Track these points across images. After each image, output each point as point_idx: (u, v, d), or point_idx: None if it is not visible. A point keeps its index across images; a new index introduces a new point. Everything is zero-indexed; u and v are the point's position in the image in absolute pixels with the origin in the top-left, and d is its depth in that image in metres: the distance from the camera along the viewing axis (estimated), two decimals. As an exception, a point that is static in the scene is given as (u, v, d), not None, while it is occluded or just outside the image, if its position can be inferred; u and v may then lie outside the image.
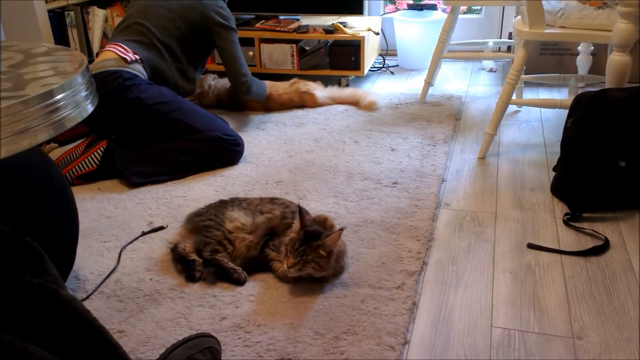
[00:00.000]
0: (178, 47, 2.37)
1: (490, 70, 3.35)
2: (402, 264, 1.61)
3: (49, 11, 2.79)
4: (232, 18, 2.46)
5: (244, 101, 2.76)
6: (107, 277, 1.60)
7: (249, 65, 3.03)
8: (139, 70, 2.22)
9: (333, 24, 3.07)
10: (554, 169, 2.06)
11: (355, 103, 2.85)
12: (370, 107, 2.79)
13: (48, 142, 2.26)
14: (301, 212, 1.52)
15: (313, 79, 2.97)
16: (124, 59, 2.17)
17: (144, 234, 1.80)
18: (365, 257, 1.64)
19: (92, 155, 2.12)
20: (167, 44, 2.33)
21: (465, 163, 2.24)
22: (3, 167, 1.29)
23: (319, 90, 2.86)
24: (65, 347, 0.89)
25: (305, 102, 2.82)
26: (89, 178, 2.14)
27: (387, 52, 3.58)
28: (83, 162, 2.11)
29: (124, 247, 1.73)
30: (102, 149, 2.13)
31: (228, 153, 2.24)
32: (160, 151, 2.17)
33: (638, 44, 2.05)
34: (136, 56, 2.21)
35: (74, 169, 2.10)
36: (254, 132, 2.57)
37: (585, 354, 1.29)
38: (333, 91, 2.92)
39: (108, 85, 2.09)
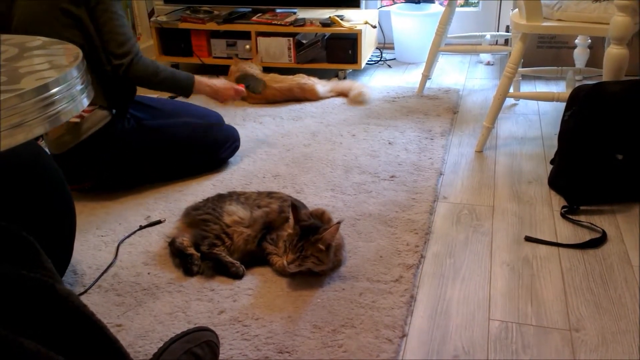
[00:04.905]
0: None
1: (488, 64, 3.34)
2: (400, 257, 1.61)
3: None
4: None
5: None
6: (105, 271, 1.60)
7: (246, 59, 3.04)
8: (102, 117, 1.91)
9: (330, 17, 3.06)
10: (552, 162, 2.06)
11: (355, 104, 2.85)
12: (356, 100, 2.78)
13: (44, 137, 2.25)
14: (295, 207, 1.51)
15: (310, 72, 2.97)
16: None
17: (141, 228, 1.80)
18: (363, 251, 1.64)
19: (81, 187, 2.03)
20: None
21: (463, 156, 2.24)
22: (-1, 161, 1.29)
23: (320, 85, 2.86)
24: (62, 342, 0.88)
25: (306, 94, 2.82)
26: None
27: (384, 45, 3.57)
28: None
29: (122, 241, 1.73)
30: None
31: (227, 156, 2.21)
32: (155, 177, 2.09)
33: (636, 36, 2.05)
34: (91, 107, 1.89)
35: None
36: (251, 126, 2.56)
37: (582, 346, 1.30)
38: (332, 84, 2.92)
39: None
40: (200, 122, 2.12)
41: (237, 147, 2.25)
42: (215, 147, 2.15)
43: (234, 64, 2.92)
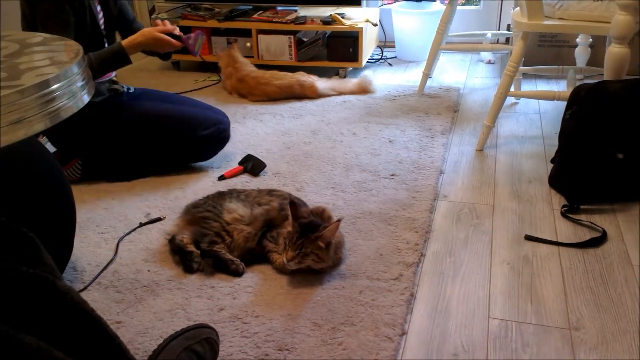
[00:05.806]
0: None
1: (489, 62, 3.34)
2: (400, 256, 1.61)
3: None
4: None
5: None
6: (105, 268, 1.60)
7: (246, 57, 3.03)
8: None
9: (331, 15, 3.05)
10: (552, 161, 2.06)
11: (362, 92, 2.90)
12: (365, 89, 2.89)
13: (44, 134, 2.25)
14: (293, 204, 1.51)
15: (311, 70, 2.96)
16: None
17: (141, 225, 1.80)
18: (363, 249, 1.64)
19: (70, 169, 2.07)
20: None
21: (463, 155, 2.24)
22: (-1, 157, 1.29)
23: (320, 81, 2.86)
24: (62, 338, 0.88)
25: (306, 91, 2.81)
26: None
27: (385, 43, 3.56)
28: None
29: (122, 239, 1.73)
30: (79, 163, 2.07)
31: (207, 138, 2.12)
32: (144, 157, 2.11)
33: (637, 35, 2.04)
34: None
35: None
36: (252, 124, 2.56)
37: (582, 345, 1.30)
38: (335, 83, 2.92)
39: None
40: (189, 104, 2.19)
41: (222, 132, 2.14)
42: (193, 124, 2.07)
43: (222, 61, 2.92)
